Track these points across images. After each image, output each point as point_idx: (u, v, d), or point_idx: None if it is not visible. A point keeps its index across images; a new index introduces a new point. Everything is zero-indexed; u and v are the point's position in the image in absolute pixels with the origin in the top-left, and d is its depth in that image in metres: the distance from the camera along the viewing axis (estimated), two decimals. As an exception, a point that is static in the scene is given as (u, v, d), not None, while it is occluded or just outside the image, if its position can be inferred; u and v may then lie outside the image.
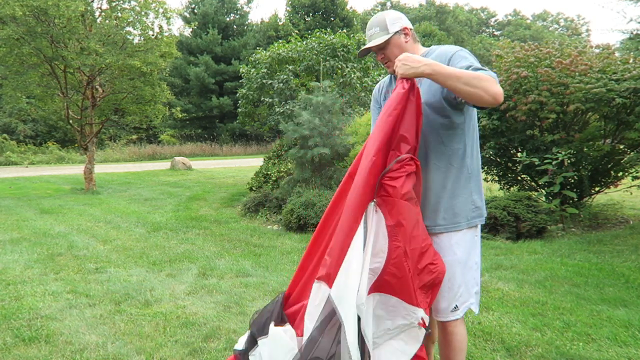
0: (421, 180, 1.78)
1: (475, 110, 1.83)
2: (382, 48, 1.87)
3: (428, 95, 1.81)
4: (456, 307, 1.83)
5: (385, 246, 1.65)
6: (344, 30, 11.66)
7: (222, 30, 29.65)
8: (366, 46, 1.90)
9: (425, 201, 1.83)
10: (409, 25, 1.90)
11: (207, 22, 29.08)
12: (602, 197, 6.95)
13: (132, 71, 10.19)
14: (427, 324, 1.70)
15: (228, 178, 13.19)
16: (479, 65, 1.67)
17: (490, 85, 1.59)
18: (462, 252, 1.82)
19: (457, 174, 1.82)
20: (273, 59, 10.48)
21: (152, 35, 10.59)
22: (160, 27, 10.65)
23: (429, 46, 1.96)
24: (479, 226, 1.90)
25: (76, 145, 22.71)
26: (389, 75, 2.05)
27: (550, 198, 5.50)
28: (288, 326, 1.80)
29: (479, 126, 5.89)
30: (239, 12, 31.36)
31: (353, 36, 10.64)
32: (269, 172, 8.44)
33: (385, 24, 1.86)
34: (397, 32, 1.86)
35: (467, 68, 1.65)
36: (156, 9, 10.28)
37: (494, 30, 56.33)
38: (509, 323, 2.94)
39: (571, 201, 5.73)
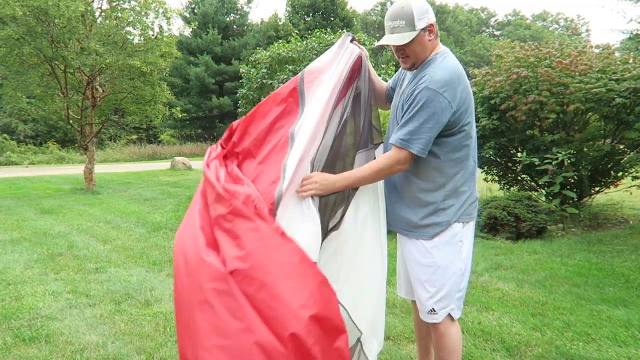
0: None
1: (451, 113, 1.72)
2: (404, 44, 1.73)
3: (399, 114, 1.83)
4: (433, 311, 1.82)
5: None
6: (344, 30, 11.65)
7: (222, 30, 29.65)
8: (389, 42, 1.73)
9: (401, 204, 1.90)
10: (434, 20, 1.76)
11: (207, 22, 29.08)
12: (602, 197, 6.95)
13: (132, 71, 10.18)
14: None
15: (228, 178, 13.17)
16: (425, 124, 1.68)
17: (391, 165, 1.73)
18: (440, 256, 1.81)
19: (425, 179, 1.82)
20: (273, 59, 10.47)
21: (152, 35, 10.59)
22: (160, 27, 10.66)
23: None
24: (464, 232, 1.84)
25: (76, 145, 22.71)
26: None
27: (550, 198, 5.50)
28: None
29: (479, 126, 5.93)
30: (239, 12, 31.38)
31: (353, 36, 10.63)
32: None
33: (412, 18, 1.69)
34: (423, 29, 1.72)
35: (406, 124, 1.72)
36: (156, 9, 10.28)
37: (494, 30, 56.31)
38: (509, 323, 2.94)
39: (571, 201, 5.73)
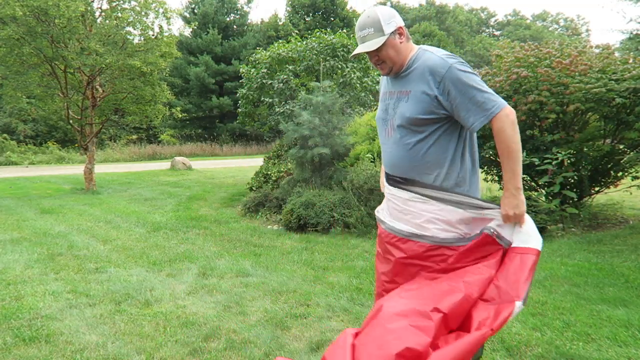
0: None
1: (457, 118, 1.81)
2: (377, 50, 1.81)
3: (412, 111, 1.81)
4: None
5: None
6: (344, 30, 11.65)
7: (222, 30, 29.65)
8: (361, 50, 1.82)
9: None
10: (402, 23, 1.84)
11: (207, 22, 29.07)
12: (602, 197, 6.95)
13: (132, 71, 10.18)
14: None
15: (228, 178, 13.20)
16: (484, 89, 1.72)
17: (512, 131, 1.73)
18: None
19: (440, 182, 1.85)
20: (273, 59, 10.47)
21: (152, 35, 10.59)
22: (160, 27, 10.66)
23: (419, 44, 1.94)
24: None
25: (76, 145, 22.71)
26: (384, 77, 2.02)
27: (550, 198, 5.50)
28: None
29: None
30: (239, 12, 31.37)
31: (353, 36, 10.63)
32: (269, 172, 8.44)
33: (380, 25, 1.78)
34: (392, 32, 1.80)
35: (476, 102, 1.71)
36: (156, 9, 10.28)
37: (493, 30, 56.29)
38: (509, 323, 2.94)
39: (571, 201, 5.73)
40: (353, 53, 1.90)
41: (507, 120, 1.70)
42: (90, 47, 9.20)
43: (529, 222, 1.80)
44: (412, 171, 1.85)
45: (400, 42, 1.83)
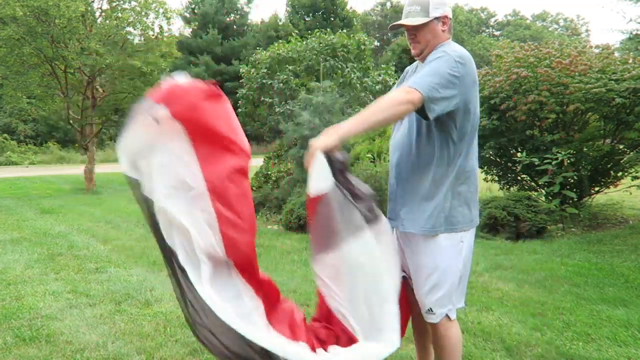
0: None
1: (452, 112, 1.75)
2: (416, 29, 1.81)
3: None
4: (431, 310, 1.83)
5: None
6: (344, 30, 11.65)
7: (222, 30, 29.67)
8: (402, 22, 1.82)
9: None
10: (450, 15, 1.84)
11: (207, 22, 29.11)
12: (602, 197, 6.95)
13: (133, 71, 10.21)
14: None
15: (228, 178, 13.18)
16: (438, 73, 1.68)
17: (401, 99, 1.63)
18: (440, 256, 1.81)
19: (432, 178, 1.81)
20: (273, 59, 10.48)
21: (153, 35, 10.61)
22: (161, 27, 10.69)
23: None
24: (467, 233, 1.85)
25: (77, 145, 22.71)
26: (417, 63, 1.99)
27: (550, 198, 5.50)
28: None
29: (479, 126, 5.93)
30: (239, 12, 31.41)
31: (353, 36, 10.65)
32: (269, 172, 8.44)
33: (428, 6, 1.79)
34: (437, 18, 1.80)
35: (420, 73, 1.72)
36: (156, 9, 10.31)
37: (493, 30, 56.28)
38: (509, 323, 2.94)
39: (571, 201, 5.73)
40: (393, 23, 1.87)
41: (404, 94, 1.65)
42: (90, 47, 9.22)
43: (316, 163, 1.68)
44: None
45: (442, 31, 1.84)
